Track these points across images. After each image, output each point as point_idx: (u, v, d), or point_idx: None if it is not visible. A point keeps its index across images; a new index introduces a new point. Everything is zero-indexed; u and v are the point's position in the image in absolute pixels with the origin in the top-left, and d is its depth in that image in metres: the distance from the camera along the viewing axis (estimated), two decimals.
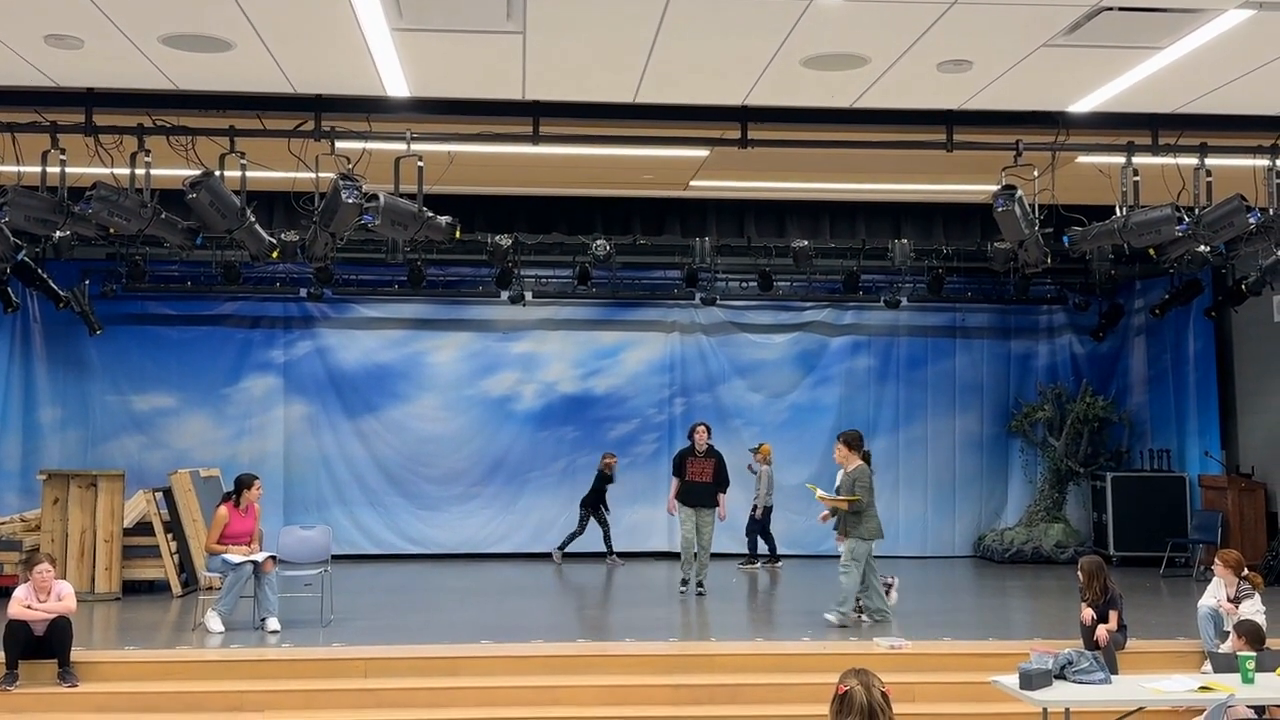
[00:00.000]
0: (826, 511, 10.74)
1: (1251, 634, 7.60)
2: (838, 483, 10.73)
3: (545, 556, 14.95)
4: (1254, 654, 6.97)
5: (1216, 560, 9.09)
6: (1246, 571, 9.00)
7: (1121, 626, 8.82)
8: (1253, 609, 8.58)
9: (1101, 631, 8.63)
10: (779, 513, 15.21)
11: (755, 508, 14.63)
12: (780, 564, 14.74)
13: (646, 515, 15.29)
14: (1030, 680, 6.49)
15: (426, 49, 6.91)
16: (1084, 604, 8.88)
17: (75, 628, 8.73)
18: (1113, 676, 6.96)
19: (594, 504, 14.85)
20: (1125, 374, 16.24)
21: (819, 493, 10.67)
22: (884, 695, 3.75)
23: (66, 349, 15.07)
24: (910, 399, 16.16)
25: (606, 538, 14.85)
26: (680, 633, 10.43)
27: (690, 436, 12.49)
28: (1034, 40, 6.70)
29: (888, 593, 10.74)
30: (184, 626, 10.39)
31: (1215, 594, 9.00)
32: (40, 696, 8.38)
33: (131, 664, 8.91)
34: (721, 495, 12.26)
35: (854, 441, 10.77)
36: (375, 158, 8.23)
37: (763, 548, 14.76)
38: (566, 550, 14.92)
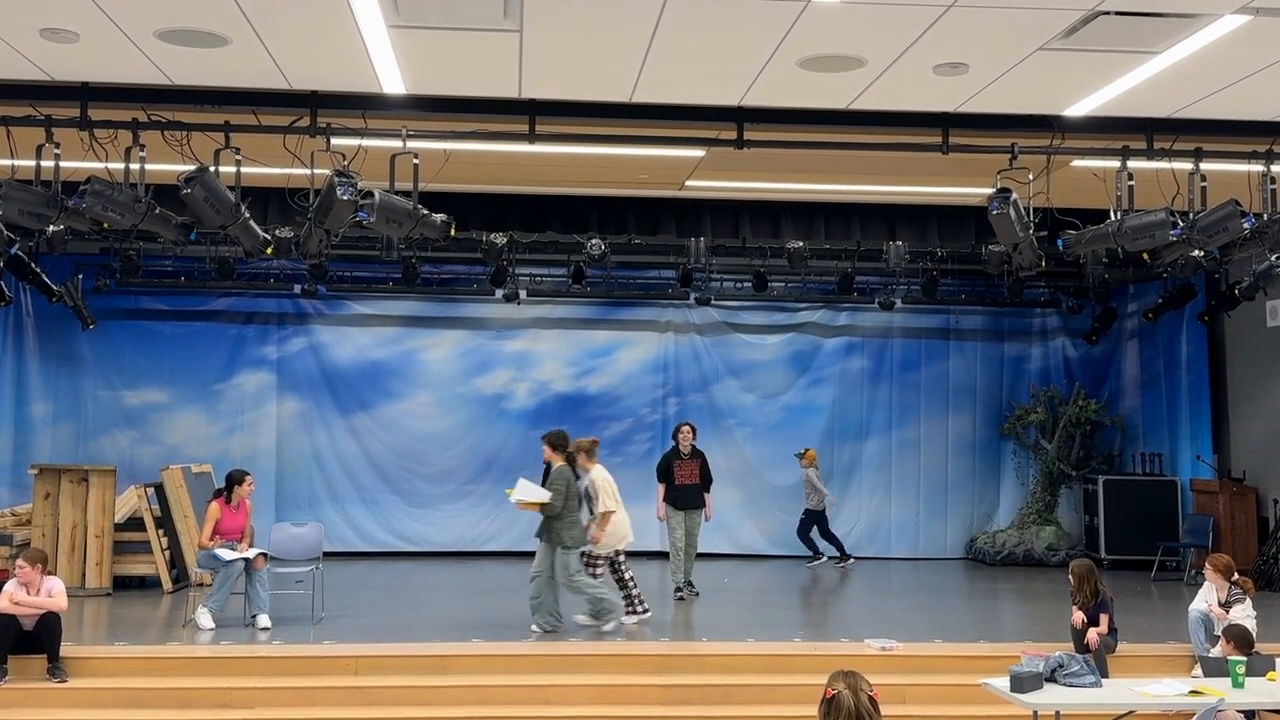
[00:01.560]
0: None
1: (1241, 638, 7.61)
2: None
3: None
4: (1244, 659, 6.98)
5: (1207, 565, 9.12)
6: (1237, 576, 9.02)
7: (1112, 630, 8.83)
8: (1243, 614, 8.60)
9: (1092, 635, 8.64)
10: (770, 512, 15.27)
11: (806, 511, 14.72)
12: (851, 561, 14.82)
13: (639, 515, 15.00)
14: (1021, 683, 6.50)
15: (423, 46, 6.90)
16: (1075, 607, 8.89)
17: (65, 623, 8.72)
18: (1103, 680, 6.97)
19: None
20: (1118, 377, 16.27)
21: (512, 495, 10.01)
22: (871, 699, 3.74)
23: (59, 343, 15.04)
24: (903, 401, 16.17)
25: None
26: (671, 633, 10.42)
27: (674, 437, 12.33)
28: (1030, 44, 6.70)
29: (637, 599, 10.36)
30: (174, 623, 10.37)
31: (1206, 598, 9.02)
32: (30, 692, 8.36)
33: (121, 660, 8.89)
34: (707, 495, 12.18)
35: (556, 441, 10.18)
36: (371, 155, 8.22)
37: (829, 548, 14.81)
38: None
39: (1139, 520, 14.59)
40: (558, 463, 10.09)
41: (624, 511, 10.38)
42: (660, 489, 12.15)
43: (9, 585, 8.66)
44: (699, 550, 12.39)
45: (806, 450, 14.92)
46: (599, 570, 10.27)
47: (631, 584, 10.42)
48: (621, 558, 10.43)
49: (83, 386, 15.11)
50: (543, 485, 10.03)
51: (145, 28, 6.59)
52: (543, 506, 9.86)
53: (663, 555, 13.18)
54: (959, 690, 8.44)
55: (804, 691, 8.11)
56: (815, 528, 14.69)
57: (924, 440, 16.14)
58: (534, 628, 9.87)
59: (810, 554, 14.74)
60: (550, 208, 11.49)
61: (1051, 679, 6.68)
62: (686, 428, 12.30)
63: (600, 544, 10.19)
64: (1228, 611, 8.72)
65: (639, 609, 10.41)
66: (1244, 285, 12.54)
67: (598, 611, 10.04)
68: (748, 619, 11.55)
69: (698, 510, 12.08)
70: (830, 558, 14.76)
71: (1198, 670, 8.17)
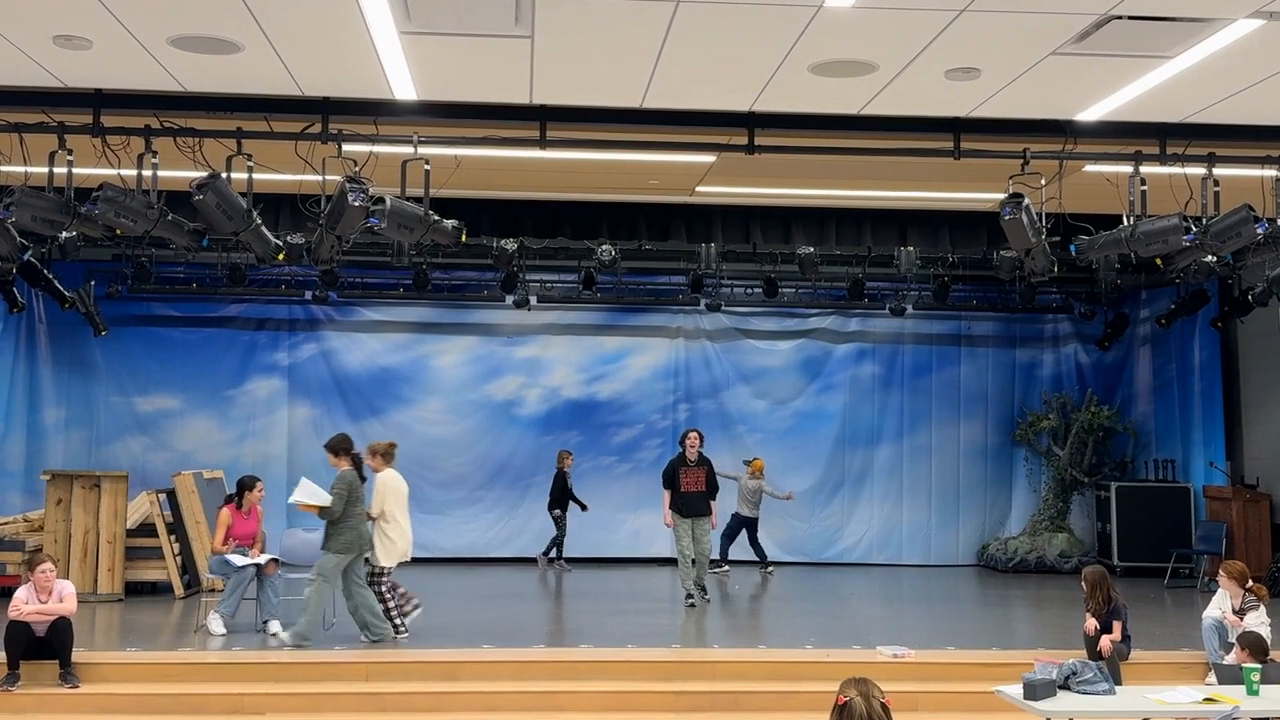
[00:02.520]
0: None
1: (1255, 646, 7.57)
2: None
3: (548, 562, 14.90)
4: (1259, 666, 6.94)
5: (1221, 572, 9.06)
6: (1251, 583, 8.96)
7: (1125, 637, 8.78)
8: (1257, 621, 8.55)
9: (1105, 642, 8.60)
10: (781, 518, 15.26)
11: (741, 517, 14.65)
12: (771, 570, 14.65)
13: (649, 521, 15.21)
14: (1034, 690, 6.47)
15: (434, 52, 6.91)
16: (1088, 614, 8.85)
17: (77, 629, 8.73)
18: (1117, 687, 6.93)
19: (564, 504, 14.74)
20: (1130, 384, 16.21)
21: (298, 499, 9.73)
22: (884, 706, 3.72)
23: (71, 350, 15.10)
24: (915, 407, 16.13)
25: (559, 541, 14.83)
26: (681, 639, 10.41)
27: (681, 443, 12.17)
28: (1043, 48, 6.68)
29: (403, 614, 9.88)
30: (186, 628, 10.38)
31: (1220, 605, 8.96)
32: (42, 698, 8.37)
33: (133, 665, 8.91)
34: (713, 503, 12.07)
35: (337, 446, 9.82)
36: (382, 161, 8.24)
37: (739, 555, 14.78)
38: (561, 556, 14.87)
39: (1152, 527, 14.53)
40: (342, 468, 9.68)
41: (408, 525, 9.99)
42: (666, 496, 12.03)
43: (21, 591, 8.68)
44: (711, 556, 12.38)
45: (755, 460, 14.76)
46: (380, 585, 9.80)
47: (389, 599, 9.85)
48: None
49: (95, 392, 15.16)
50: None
51: (158, 34, 6.61)
52: (321, 510, 9.55)
53: (672, 562, 13.16)
54: (972, 698, 8.40)
55: (815, 699, 8.07)
56: (747, 534, 14.57)
57: (936, 447, 16.10)
58: (362, 639, 9.56)
59: (760, 560, 14.65)
60: (561, 213, 11.50)
61: (1065, 686, 6.65)
62: (694, 434, 12.16)
63: (382, 556, 9.79)
64: (1242, 619, 8.67)
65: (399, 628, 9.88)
66: (1257, 291, 12.49)
67: (368, 626, 9.60)
68: (758, 625, 11.55)
69: (704, 518, 11.94)
70: (754, 563, 14.71)
71: (1212, 678, 8.13)
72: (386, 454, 10.03)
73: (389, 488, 9.85)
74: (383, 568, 9.84)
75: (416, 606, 10.06)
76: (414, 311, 15.71)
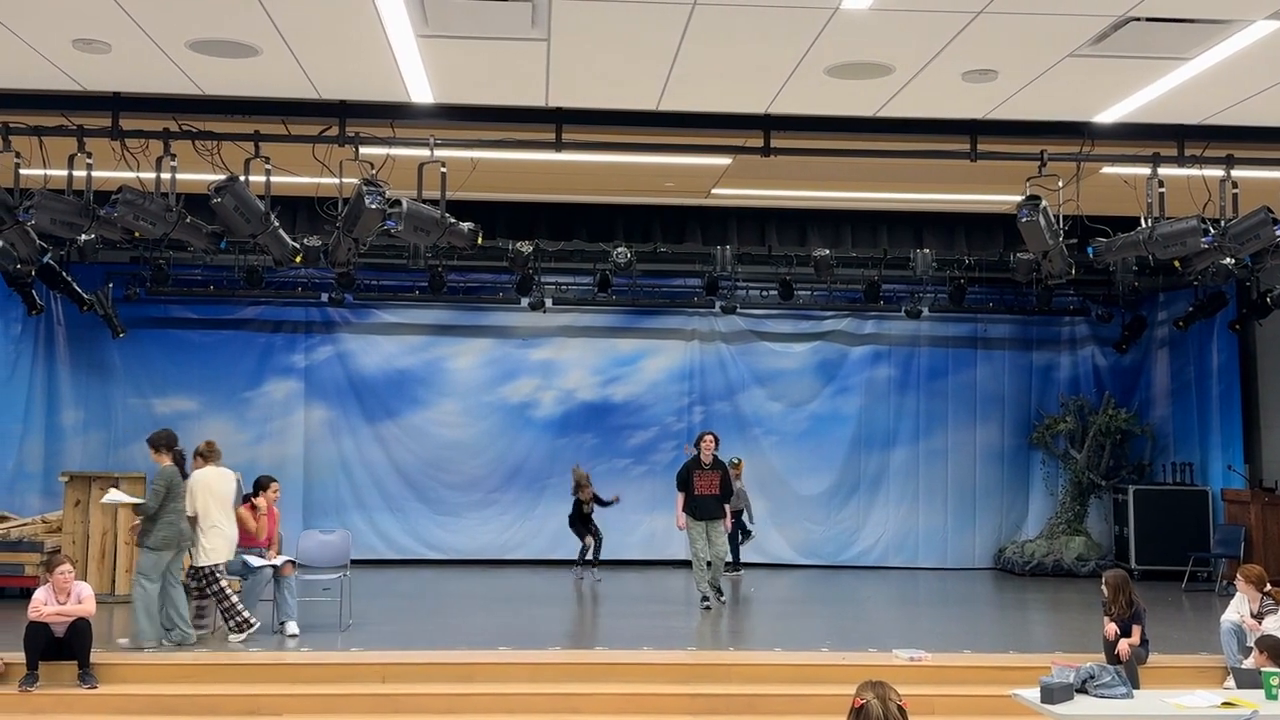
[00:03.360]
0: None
1: (1274, 650, 7.54)
2: None
3: (563, 563, 14.86)
4: (1278, 670, 6.90)
5: (1239, 576, 9.02)
6: (1269, 587, 8.92)
7: (1144, 641, 8.74)
8: (1276, 624, 8.49)
9: (1123, 646, 8.56)
10: (797, 521, 15.26)
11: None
12: (740, 573, 14.48)
13: (665, 524, 15.17)
14: (1052, 694, 6.45)
15: (451, 55, 6.93)
16: (1106, 618, 8.81)
17: (95, 630, 8.77)
18: (1135, 691, 6.90)
19: (584, 518, 14.33)
20: (1148, 387, 16.14)
21: (110, 499, 9.78)
22: (900, 709, 3.73)
23: (89, 352, 15.18)
24: (931, 409, 16.09)
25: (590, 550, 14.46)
26: (698, 642, 10.40)
27: (696, 446, 12.07)
28: (1060, 50, 6.67)
29: (235, 617, 9.66)
30: (203, 629, 10.40)
31: (1238, 609, 8.92)
32: (60, 698, 8.42)
33: (150, 666, 8.94)
34: (726, 505, 11.99)
35: (158, 441, 9.65)
36: (398, 164, 8.26)
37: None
38: (597, 559, 14.67)
39: (1169, 530, 14.46)
40: (163, 464, 9.54)
41: (231, 526, 9.90)
42: (680, 498, 11.96)
43: (40, 592, 8.73)
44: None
45: (739, 460, 14.57)
46: (212, 585, 9.72)
47: (224, 599, 9.73)
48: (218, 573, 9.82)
49: (113, 394, 15.24)
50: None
51: (177, 38, 6.64)
52: (136, 507, 9.51)
53: (687, 565, 13.15)
54: (988, 701, 8.36)
55: (831, 702, 8.06)
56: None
57: (952, 450, 16.05)
58: (165, 642, 9.40)
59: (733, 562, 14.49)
60: (576, 216, 11.51)
61: (1082, 690, 6.63)
62: (709, 437, 12.06)
63: (199, 556, 9.70)
64: (1260, 623, 8.62)
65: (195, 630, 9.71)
66: (1275, 293, 12.44)
67: (172, 626, 9.46)
68: (774, 628, 11.53)
69: (718, 520, 11.85)
70: (766, 566, 14.69)
71: (1230, 682, 8.11)
72: (205, 453, 10.02)
73: (203, 486, 9.73)
74: (201, 568, 9.76)
75: (252, 626, 9.73)
76: (430, 314, 15.75)
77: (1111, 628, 8.71)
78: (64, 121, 7.96)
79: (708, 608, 11.71)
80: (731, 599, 12.44)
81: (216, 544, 9.76)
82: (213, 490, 9.79)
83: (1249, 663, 7.97)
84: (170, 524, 9.41)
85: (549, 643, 9.80)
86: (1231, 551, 13.45)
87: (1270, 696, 6.67)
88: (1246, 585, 8.86)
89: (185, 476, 9.70)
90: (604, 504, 14.28)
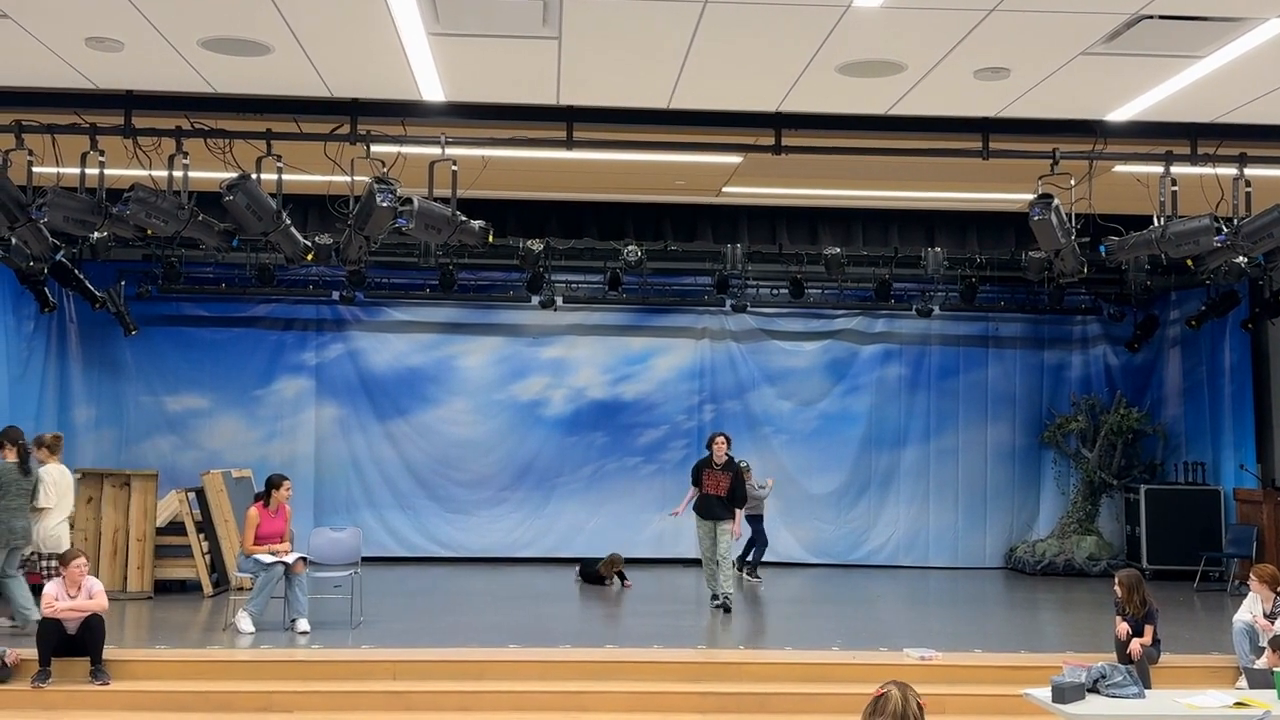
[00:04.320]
0: None
1: None
2: None
3: (573, 561, 14.80)
4: None
5: (1252, 575, 8.99)
6: None
7: (1155, 641, 8.73)
8: None
9: (1135, 645, 8.54)
10: (807, 520, 15.26)
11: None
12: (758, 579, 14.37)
13: (675, 522, 15.13)
14: (1063, 694, 6.44)
15: (462, 54, 6.93)
16: (1118, 617, 8.80)
17: (107, 626, 8.80)
18: (1146, 691, 6.89)
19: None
20: (1160, 386, 16.09)
21: None
22: (920, 706, 3.80)
23: (102, 349, 15.23)
24: (942, 409, 16.06)
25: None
26: (708, 640, 10.40)
27: (709, 447, 11.99)
28: (1072, 48, 6.65)
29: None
30: (215, 626, 10.45)
31: (1251, 609, 8.89)
32: (72, 694, 8.45)
33: (163, 663, 8.98)
34: (739, 510, 11.83)
35: (0, 437, 9.77)
36: (410, 162, 8.27)
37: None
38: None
39: (1181, 530, 14.41)
40: (7, 459, 9.68)
41: (63, 516, 10.05)
42: (691, 492, 12.06)
43: (51, 587, 8.76)
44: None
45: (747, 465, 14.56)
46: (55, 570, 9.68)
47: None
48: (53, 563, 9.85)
49: (125, 392, 15.29)
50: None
51: (189, 36, 6.66)
52: None
53: (697, 563, 13.14)
54: (1000, 700, 8.36)
55: (842, 701, 8.07)
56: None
57: (963, 449, 16.02)
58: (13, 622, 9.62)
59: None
60: (587, 214, 11.50)
61: (1094, 690, 6.62)
62: (721, 438, 11.94)
63: (48, 544, 9.85)
64: (1273, 623, 8.59)
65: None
66: None
67: (14, 614, 9.66)
68: (785, 627, 11.52)
69: (723, 521, 11.68)
70: (784, 564, 14.70)
71: (1242, 682, 8.08)
72: (51, 446, 10.13)
73: (54, 482, 9.94)
74: (45, 554, 9.95)
75: (21, 626, 9.67)
76: (440, 312, 15.77)
77: (1123, 627, 8.69)
78: (77, 119, 7.99)
79: (718, 606, 11.62)
80: (749, 598, 12.41)
81: (59, 534, 10.00)
82: (62, 484, 10.04)
83: (1261, 663, 7.95)
84: (2, 521, 9.56)
85: (559, 641, 9.81)
86: (1244, 551, 13.40)
87: None
88: (1260, 585, 8.83)
89: (28, 473, 9.81)
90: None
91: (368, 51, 6.89)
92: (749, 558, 14.23)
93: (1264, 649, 8.06)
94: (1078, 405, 15.85)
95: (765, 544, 14.32)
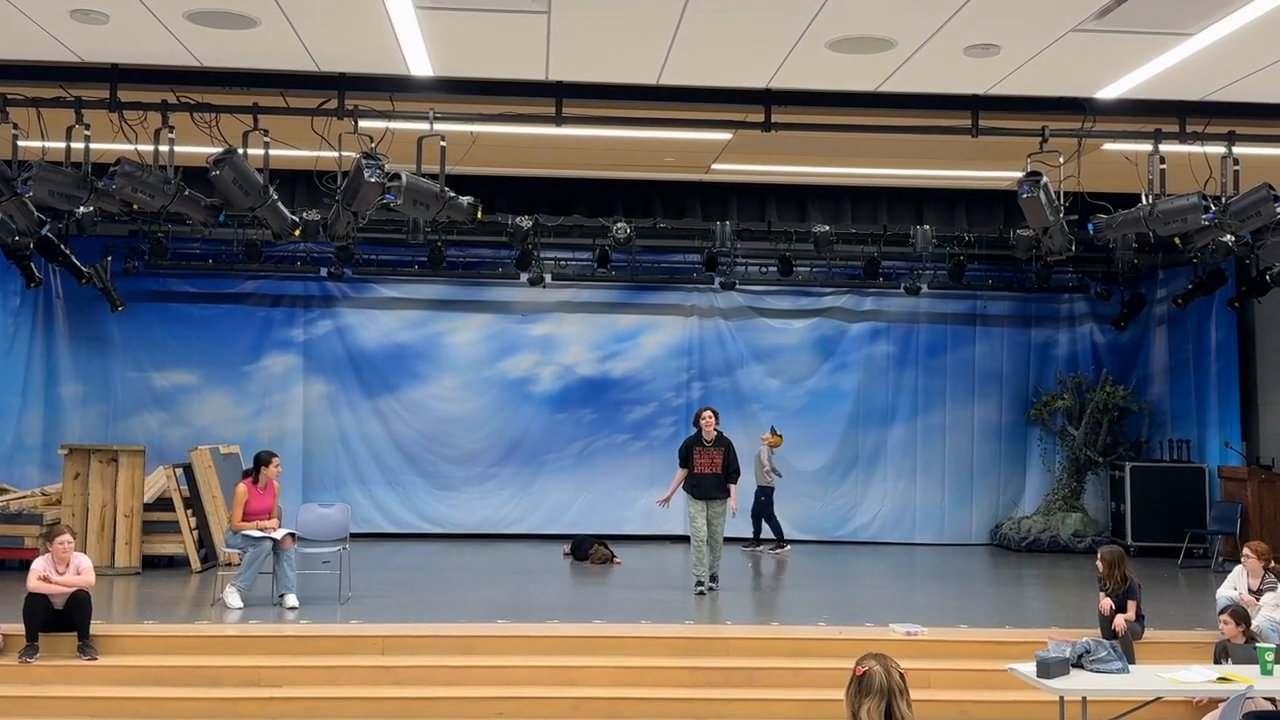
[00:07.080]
0: None
1: (1242, 618, 7.83)
2: None
3: (561, 538, 14.85)
4: (1273, 646, 6.95)
5: (1247, 550, 9.04)
6: (1272, 563, 8.96)
7: (1139, 617, 8.80)
8: (1274, 601, 8.54)
9: (1119, 621, 8.61)
10: (795, 497, 15.31)
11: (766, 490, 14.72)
12: (788, 548, 14.71)
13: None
14: (1048, 668, 6.49)
15: (451, 28, 6.89)
16: (1102, 593, 8.86)
17: (95, 602, 8.81)
18: (1130, 666, 6.95)
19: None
20: (1146, 364, 16.16)
21: None
22: (902, 677, 3.78)
23: (88, 325, 15.17)
24: (929, 386, 16.11)
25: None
26: (695, 615, 10.44)
27: (696, 424, 11.59)
28: (1063, 25, 6.63)
29: None
30: (203, 602, 10.46)
31: (1235, 584, 8.96)
32: (60, 669, 8.46)
33: (150, 638, 9.00)
34: (732, 486, 11.38)
35: None
36: (398, 137, 8.23)
37: (768, 530, 14.80)
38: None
39: (1166, 507, 14.51)
40: None
41: None
42: (680, 474, 11.53)
43: (39, 563, 8.75)
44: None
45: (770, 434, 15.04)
46: None
47: None
48: None
49: (112, 368, 15.24)
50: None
51: (175, 9, 6.60)
52: None
53: (685, 540, 13.18)
54: (985, 675, 8.43)
55: (828, 675, 8.12)
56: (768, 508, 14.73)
57: (949, 426, 16.09)
58: None
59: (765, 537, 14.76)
60: (576, 191, 11.46)
61: (1078, 665, 6.67)
62: (709, 413, 11.50)
63: None
64: (1258, 599, 8.66)
65: None
66: (1275, 271, 12.44)
67: None
68: (772, 603, 11.58)
69: (719, 501, 11.32)
70: (765, 540, 14.86)
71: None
72: None
73: None
74: None
75: None
76: (429, 289, 15.75)
77: (1107, 603, 8.75)
78: (62, 93, 7.91)
79: (701, 593, 11.24)
80: (739, 572, 12.44)
81: None
82: None
83: (1223, 634, 8.06)
84: None
85: (548, 616, 9.84)
86: (1228, 528, 13.49)
87: (1265, 671, 6.72)
88: (1255, 561, 8.90)
89: None
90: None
91: (355, 25, 6.84)
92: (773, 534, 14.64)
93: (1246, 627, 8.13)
94: (1064, 383, 15.91)
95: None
